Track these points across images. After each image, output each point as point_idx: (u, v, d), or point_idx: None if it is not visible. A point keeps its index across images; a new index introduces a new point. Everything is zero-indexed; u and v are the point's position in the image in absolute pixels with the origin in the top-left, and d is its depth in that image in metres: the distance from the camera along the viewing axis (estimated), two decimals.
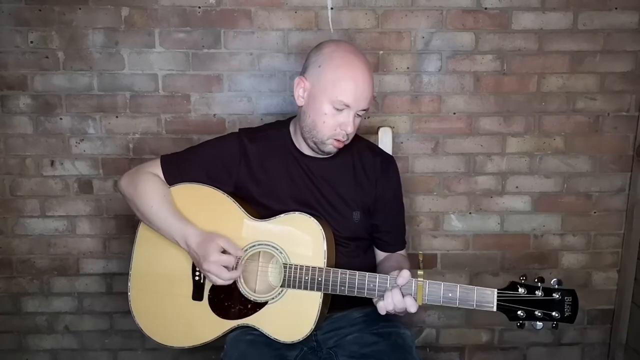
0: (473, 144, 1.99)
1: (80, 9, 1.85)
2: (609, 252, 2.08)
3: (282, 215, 1.39)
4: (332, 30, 1.88)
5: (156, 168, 1.46)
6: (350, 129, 1.36)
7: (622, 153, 2.01)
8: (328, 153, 1.42)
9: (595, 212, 2.05)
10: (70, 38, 1.87)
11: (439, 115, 1.96)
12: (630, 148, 2.01)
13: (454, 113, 1.96)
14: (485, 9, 1.89)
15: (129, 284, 1.46)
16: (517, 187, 2.02)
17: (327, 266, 1.34)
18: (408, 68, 1.92)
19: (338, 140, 1.38)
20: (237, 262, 1.36)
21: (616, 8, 1.89)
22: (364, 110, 1.37)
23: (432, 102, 1.95)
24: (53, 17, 1.86)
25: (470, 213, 2.04)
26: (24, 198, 1.99)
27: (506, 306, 1.21)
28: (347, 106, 1.34)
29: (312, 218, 1.36)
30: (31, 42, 1.87)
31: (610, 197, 2.04)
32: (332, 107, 1.34)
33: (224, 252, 1.34)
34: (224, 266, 1.33)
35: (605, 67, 1.94)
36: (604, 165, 2.01)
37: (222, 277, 1.33)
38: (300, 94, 1.39)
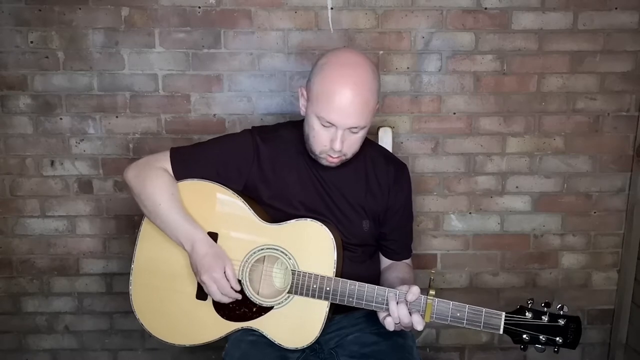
0: (473, 144, 1.99)
1: (80, 9, 1.85)
2: (609, 252, 2.08)
3: (293, 220, 1.36)
4: (332, 30, 1.88)
5: (165, 162, 1.42)
6: (338, 147, 1.29)
7: (622, 153, 2.01)
8: (327, 166, 1.38)
9: (595, 212, 2.05)
10: (70, 38, 1.87)
11: (439, 115, 1.96)
12: (630, 148, 2.01)
13: (454, 113, 1.96)
14: (485, 9, 1.89)
15: (130, 279, 1.45)
16: (517, 187, 2.02)
17: (335, 276, 1.33)
18: (408, 68, 1.92)
19: (331, 156, 1.34)
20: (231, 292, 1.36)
21: (616, 8, 1.89)
22: (355, 127, 1.29)
23: (432, 102, 1.95)
24: (53, 17, 1.86)
25: (470, 213, 2.04)
26: (24, 198, 1.99)
27: (513, 330, 1.22)
28: (331, 124, 1.29)
29: (324, 226, 1.34)
30: (31, 42, 1.87)
31: (610, 197, 2.04)
32: (319, 122, 1.31)
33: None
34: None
35: (605, 67, 1.94)
36: (604, 165, 2.01)
37: (214, 295, 1.34)
38: (302, 103, 1.37)
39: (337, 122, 1.28)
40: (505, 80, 1.94)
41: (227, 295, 1.34)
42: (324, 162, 1.37)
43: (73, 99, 1.92)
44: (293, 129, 1.47)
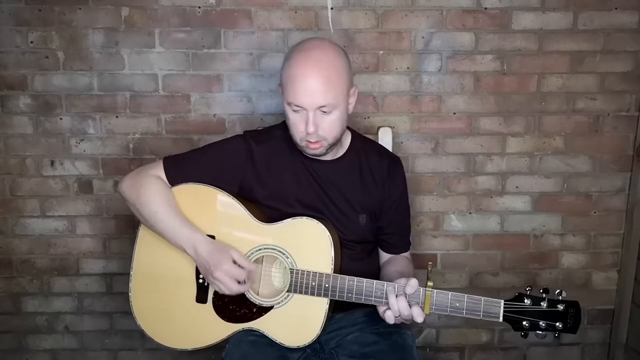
0: (473, 144, 1.99)
1: (80, 9, 1.85)
2: (609, 252, 2.08)
3: (289, 219, 1.37)
4: (332, 30, 1.88)
5: (159, 170, 1.42)
6: (311, 129, 1.30)
7: (622, 153, 2.01)
8: (313, 155, 1.40)
9: (595, 212, 2.05)
10: (70, 38, 1.87)
11: (439, 115, 1.96)
12: (630, 148, 2.01)
13: (454, 113, 1.96)
14: (485, 9, 1.89)
15: (130, 285, 1.45)
16: (517, 187, 2.02)
17: (334, 272, 1.33)
18: (408, 68, 1.92)
19: (309, 141, 1.34)
20: (247, 276, 1.34)
21: (616, 8, 1.89)
22: (323, 106, 1.30)
23: (432, 102, 1.95)
24: (53, 17, 1.85)
25: (470, 213, 2.04)
26: (24, 198, 1.98)
27: (512, 317, 1.23)
28: (300, 107, 1.31)
29: (320, 223, 1.35)
30: (31, 42, 1.87)
31: (610, 197, 2.04)
32: (290, 109, 1.33)
33: (234, 263, 1.33)
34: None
35: (605, 67, 1.94)
36: (604, 165, 2.01)
37: (230, 289, 1.32)
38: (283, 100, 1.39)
39: (303, 103, 1.30)
40: (505, 80, 1.94)
41: (244, 282, 1.33)
42: (308, 151, 1.38)
43: (73, 99, 1.92)
44: (287, 128, 1.47)
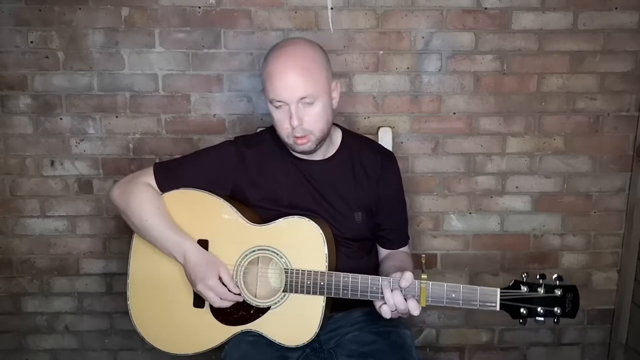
0: (473, 144, 1.99)
1: (80, 9, 1.85)
2: (609, 252, 2.08)
3: (281, 219, 1.37)
4: (332, 30, 1.88)
5: (149, 177, 1.42)
6: (295, 122, 1.30)
7: (622, 153, 2.01)
8: (302, 152, 1.39)
9: (595, 212, 2.05)
10: (70, 38, 1.87)
11: (439, 115, 1.96)
12: (630, 148, 2.01)
13: (454, 113, 1.96)
14: (485, 9, 1.89)
15: (127, 293, 1.45)
16: (517, 187, 2.02)
17: (328, 270, 1.33)
18: (408, 68, 1.92)
19: (296, 137, 1.34)
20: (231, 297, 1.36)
21: (616, 8, 1.89)
22: (304, 97, 1.30)
23: (432, 102, 1.95)
24: (53, 17, 1.86)
25: (470, 213, 2.04)
26: (24, 198, 1.99)
27: (509, 305, 1.22)
28: (281, 101, 1.31)
29: (312, 221, 1.34)
30: (31, 42, 1.87)
31: (610, 197, 2.04)
32: (273, 106, 1.34)
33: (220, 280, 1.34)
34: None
35: (605, 67, 1.94)
36: (604, 165, 2.01)
37: (212, 303, 1.34)
38: None
39: (284, 97, 1.30)
40: (505, 80, 1.94)
41: (226, 300, 1.35)
42: (297, 148, 1.37)
43: (73, 99, 1.92)
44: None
